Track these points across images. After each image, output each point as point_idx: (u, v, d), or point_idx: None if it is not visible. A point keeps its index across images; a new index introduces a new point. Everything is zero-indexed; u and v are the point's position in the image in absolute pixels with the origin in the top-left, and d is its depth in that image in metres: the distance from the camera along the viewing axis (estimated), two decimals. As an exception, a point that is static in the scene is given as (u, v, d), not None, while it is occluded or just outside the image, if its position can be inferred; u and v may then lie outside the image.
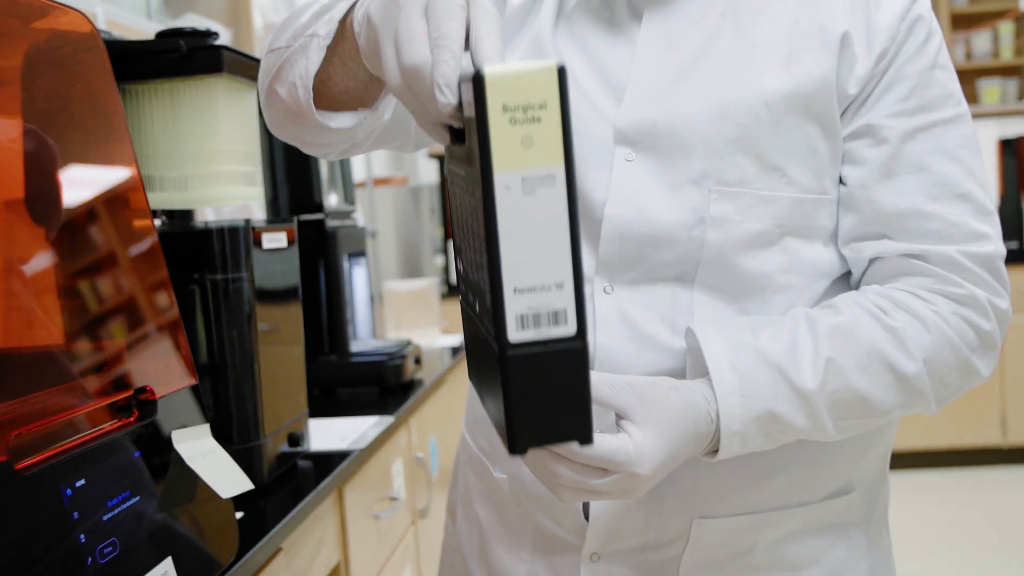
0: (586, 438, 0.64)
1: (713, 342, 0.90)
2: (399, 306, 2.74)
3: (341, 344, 2.00)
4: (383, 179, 4.56)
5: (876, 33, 0.94)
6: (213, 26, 2.12)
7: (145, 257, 0.99)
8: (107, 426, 0.84)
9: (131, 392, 0.89)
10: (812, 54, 0.94)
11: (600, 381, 0.84)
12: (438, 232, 5.06)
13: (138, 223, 1.00)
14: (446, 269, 4.83)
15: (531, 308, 0.61)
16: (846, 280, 1.00)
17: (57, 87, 0.94)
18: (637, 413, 0.84)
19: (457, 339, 2.81)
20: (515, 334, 0.61)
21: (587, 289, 0.95)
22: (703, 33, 0.97)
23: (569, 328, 0.61)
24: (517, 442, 0.63)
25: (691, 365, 0.93)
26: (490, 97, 0.59)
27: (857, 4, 0.95)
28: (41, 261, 0.89)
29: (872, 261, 0.97)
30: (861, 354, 0.91)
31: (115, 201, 0.98)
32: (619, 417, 0.85)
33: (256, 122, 1.40)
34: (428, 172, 5.10)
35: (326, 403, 1.93)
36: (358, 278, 2.17)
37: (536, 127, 0.60)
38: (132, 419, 0.87)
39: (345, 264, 2.04)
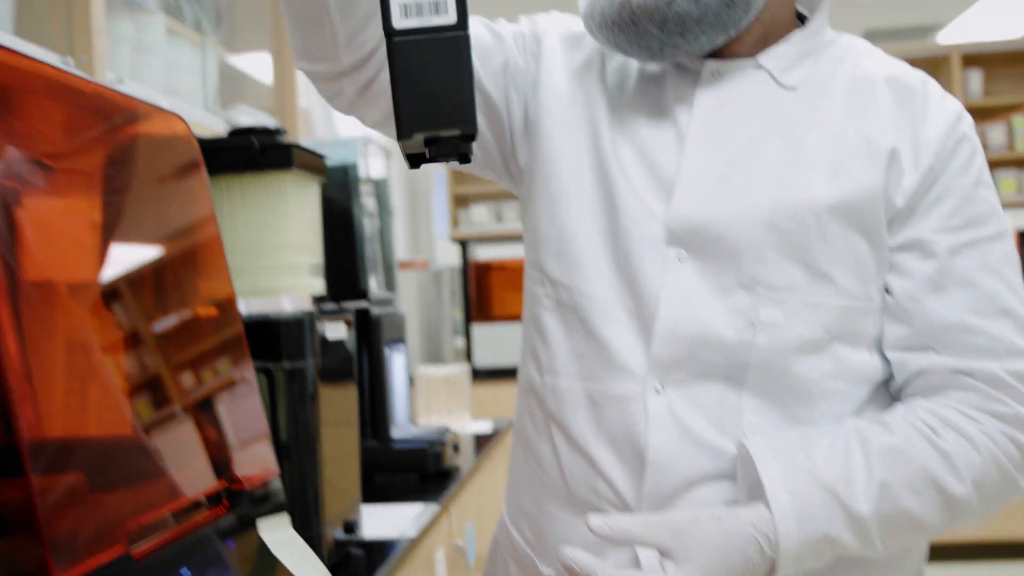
0: (467, 126, 0.67)
1: (768, 463, 0.92)
2: (430, 391, 2.77)
3: (383, 430, 2.02)
4: (405, 263, 4.60)
5: (923, 149, 0.97)
6: (262, 115, 2.19)
7: (232, 346, 1.02)
8: (201, 516, 0.87)
9: (224, 483, 0.91)
10: (860, 167, 0.96)
11: (635, 522, 0.88)
12: (459, 315, 5.09)
13: (226, 313, 1.03)
14: (468, 352, 4.85)
15: None
16: (887, 384, 1.02)
17: (153, 182, 0.99)
18: (676, 552, 0.87)
19: (488, 425, 2.83)
20: (399, 21, 0.65)
21: (639, 387, 0.97)
22: (750, 132, 0.99)
23: (450, 17, 0.66)
24: (403, 127, 0.67)
25: (742, 474, 0.95)
26: None
27: (903, 120, 0.98)
28: (138, 351, 0.93)
29: (917, 373, 0.99)
30: (913, 477, 0.93)
31: (205, 292, 1.01)
32: (662, 555, 0.88)
33: (318, 215, 1.45)
34: (449, 255, 5.16)
35: (367, 489, 1.94)
36: (396, 364, 2.20)
37: None
38: (224, 509, 0.90)
39: (386, 350, 2.07)
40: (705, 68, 1.02)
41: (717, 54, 1.02)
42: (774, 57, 1.01)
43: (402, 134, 0.68)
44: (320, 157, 1.41)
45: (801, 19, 1.07)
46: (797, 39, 1.02)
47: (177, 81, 1.85)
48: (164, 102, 1.68)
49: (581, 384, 1.00)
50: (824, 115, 0.99)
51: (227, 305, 1.01)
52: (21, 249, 0.80)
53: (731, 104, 1.01)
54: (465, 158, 0.75)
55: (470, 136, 0.70)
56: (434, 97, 0.67)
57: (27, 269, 0.79)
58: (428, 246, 5.43)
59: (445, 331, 5.06)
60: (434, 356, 5.00)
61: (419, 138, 0.70)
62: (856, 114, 0.99)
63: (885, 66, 1.03)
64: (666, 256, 0.97)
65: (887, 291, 0.99)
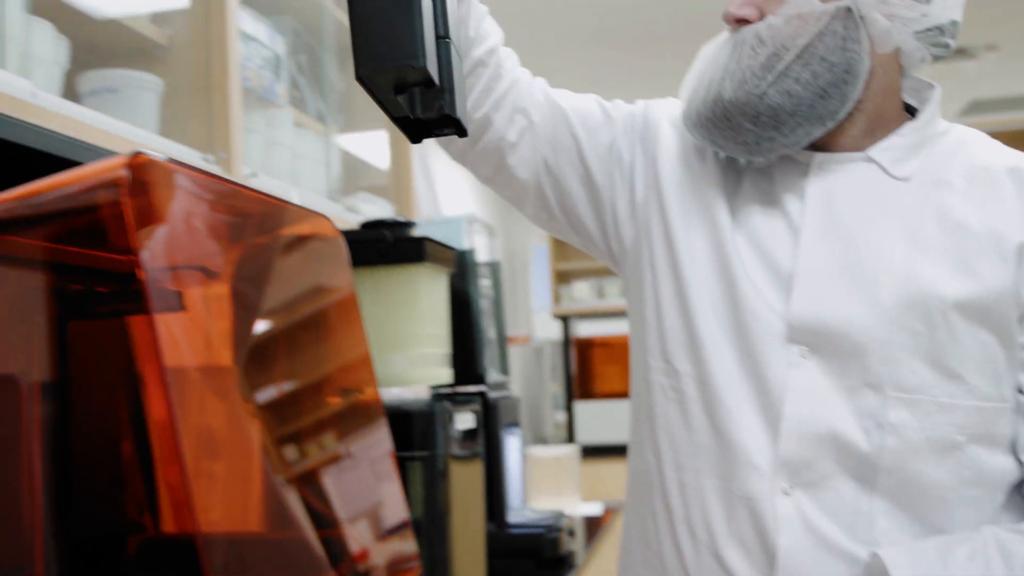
0: (416, 61, 0.72)
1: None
2: (540, 472, 2.75)
3: (499, 515, 2.01)
4: (509, 338, 4.62)
5: None
6: (381, 202, 2.24)
7: (376, 438, 1.03)
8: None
9: (371, 582, 0.91)
10: (989, 263, 0.94)
11: None
12: (559, 390, 5.08)
13: (370, 405, 1.05)
14: (569, 429, 4.82)
15: None
16: (1021, 488, 0.98)
17: (305, 279, 1.02)
18: None
19: (598, 507, 2.79)
20: None
21: (767, 486, 0.95)
22: (866, 224, 0.97)
23: None
24: (360, 65, 0.72)
25: None
26: None
27: None
28: (296, 446, 0.94)
29: None
30: None
31: (353, 387, 1.03)
32: None
33: (447, 305, 1.47)
34: (550, 330, 5.16)
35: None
36: (511, 447, 2.19)
37: None
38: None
39: (502, 435, 2.07)
40: (814, 160, 1.00)
41: (821, 146, 1.01)
42: (884, 149, 1.00)
43: (359, 71, 0.73)
44: (450, 249, 1.43)
45: (909, 110, 1.05)
46: (908, 130, 1.00)
47: (302, 170, 1.91)
48: (294, 193, 1.73)
49: (709, 481, 0.98)
50: (942, 207, 0.97)
51: (375, 403, 1.03)
52: (185, 350, 0.82)
53: (843, 195, 0.99)
54: (462, 130, 0.81)
55: (440, 89, 0.76)
56: (385, 37, 0.72)
57: (191, 370, 0.82)
58: (527, 320, 5.45)
59: (546, 407, 5.04)
60: (535, 432, 4.98)
61: (385, 84, 0.75)
62: (977, 205, 0.96)
63: (1006, 157, 1.00)
64: (789, 352, 0.95)
65: (1020, 391, 0.95)
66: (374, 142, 2.47)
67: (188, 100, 1.52)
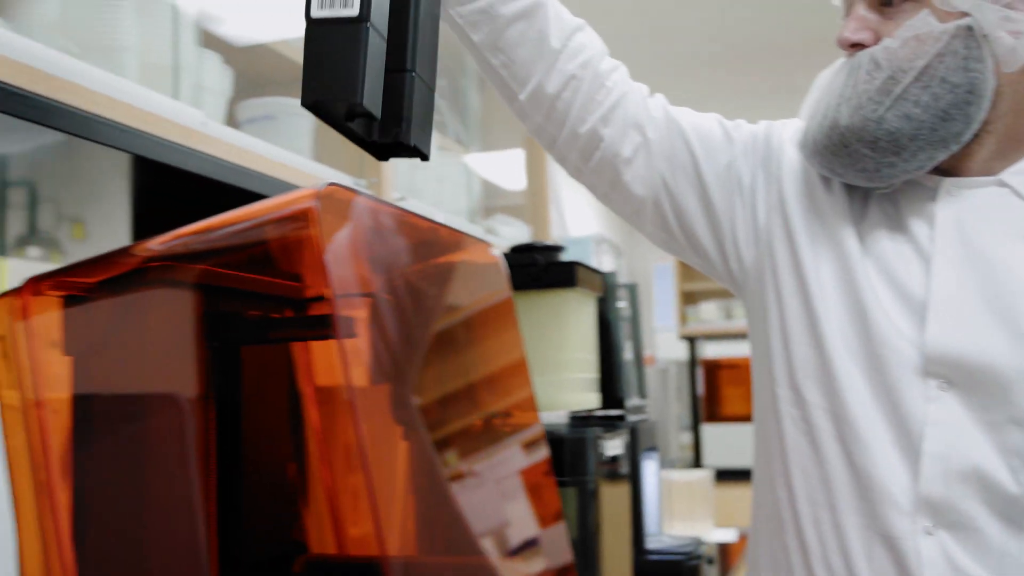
0: (355, 97, 0.76)
1: None
2: (673, 497, 2.71)
3: (638, 541, 1.98)
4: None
5: None
6: (519, 224, 2.25)
7: (537, 461, 1.03)
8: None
9: (537, 613, 0.91)
10: None
11: None
12: (685, 411, 5.01)
13: (533, 428, 1.04)
14: (696, 450, 4.75)
15: None
16: None
17: (470, 303, 1.02)
18: None
19: (732, 533, 2.73)
20: (316, 11, 0.78)
21: (908, 525, 0.90)
22: (1003, 251, 0.92)
23: (353, 10, 0.78)
24: (304, 95, 0.77)
25: None
26: None
27: None
28: (460, 468, 0.94)
29: None
30: None
31: (518, 413, 1.03)
32: None
33: (595, 330, 1.46)
34: (676, 351, 5.11)
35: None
36: (649, 472, 2.17)
37: None
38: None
39: (640, 459, 2.05)
40: (942, 185, 0.96)
41: (948, 170, 0.96)
42: (1017, 172, 0.94)
43: (303, 100, 0.78)
44: (599, 274, 1.42)
45: None
46: None
47: (443, 193, 1.93)
48: (439, 216, 1.75)
49: (847, 518, 0.94)
50: None
51: (537, 427, 1.02)
52: (361, 374, 0.83)
53: (975, 220, 0.94)
54: (423, 156, 0.86)
55: (398, 118, 0.82)
56: (329, 71, 0.78)
57: (367, 394, 0.83)
58: (650, 340, 5.40)
59: (671, 428, 4.98)
60: (660, 454, 4.92)
61: (334, 112, 0.80)
62: None
63: None
64: (926, 386, 0.91)
65: None
66: (508, 162, 2.49)
67: (340, 126, 1.55)
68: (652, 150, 1.06)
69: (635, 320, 2.20)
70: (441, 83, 2.01)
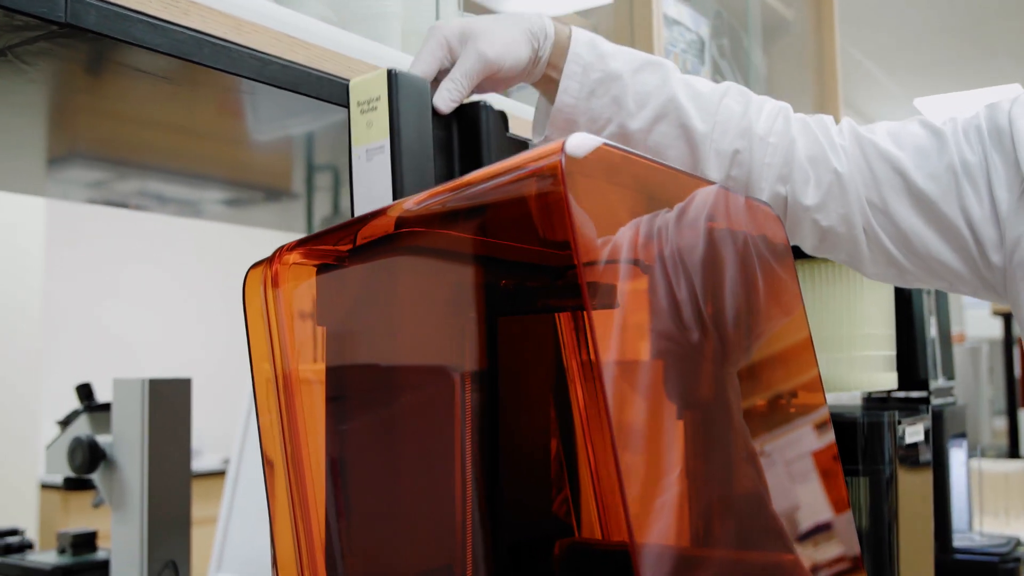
0: None
1: None
2: (986, 489, 2.45)
3: (944, 537, 1.79)
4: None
5: None
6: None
7: (827, 451, 0.92)
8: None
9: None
10: None
11: None
12: (999, 394, 4.58)
13: (816, 409, 0.94)
14: (1012, 437, 4.33)
15: None
16: None
17: (749, 272, 0.93)
18: None
19: (1056, 533, 2.44)
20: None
21: None
22: None
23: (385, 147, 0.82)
24: None
25: None
26: (351, 97, 0.85)
27: None
28: (733, 455, 0.86)
29: None
30: None
31: (800, 391, 0.93)
32: None
33: (892, 303, 1.31)
34: (989, 328, 4.67)
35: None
36: (956, 462, 1.96)
37: (374, 114, 0.83)
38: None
39: (947, 447, 1.85)
40: None
41: None
42: None
43: None
44: (896, 238, 1.27)
45: None
46: None
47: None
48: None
49: None
50: None
51: (821, 407, 0.92)
52: (621, 348, 0.76)
53: None
54: None
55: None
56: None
57: (626, 367, 0.76)
58: (959, 317, 4.98)
59: (982, 413, 4.57)
60: (969, 441, 4.53)
61: None
62: None
63: None
64: None
65: None
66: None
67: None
68: (844, 182, 0.95)
69: (941, 292, 1.99)
70: (722, 41, 1.90)
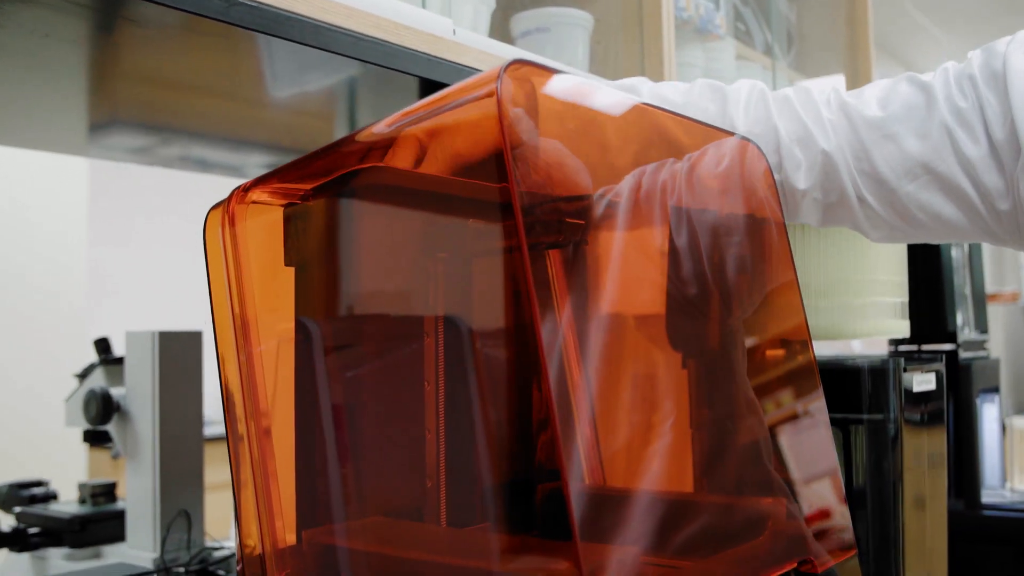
0: None
1: None
2: (1022, 447, 2.40)
3: (971, 493, 1.75)
4: (990, 295, 4.12)
5: None
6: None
7: (807, 400, 0.90)
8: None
9: (794, 564, 0.79)
10: None
11: None
12: (1053, 355, 4.46)
13: (803, 364, 0.91)
14: (1066, 399, 4.22)
15: None
16: None
17: (724, 210, 0.90)
18: None
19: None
20: None
21: None
22: None
23: None
24: None
25: None
26: None
27: None
28: (705, 396, 0.84)
29: None
30: None
31: (781, 340, 0.90)
32: None
33: (904, 248, 1.27)
34: (1043, 287, 4.55)
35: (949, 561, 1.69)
36: (988, 417, 1.91)
37: None
38: (796, 597, 0.77)
39: (976, 401, 1.81)
40: None
41: None
42: None
43: None
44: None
45: None
46: None
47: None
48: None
49: None
50: None
51: (806, 358, 0.89)
52: (589, 286, 0.75)
53: None
54: None
55: None
56: None
57: (598, 305, 0.74)
58: (1015, 275, 4.85)
59: (1035, 372, 4.46)
60: (1018, 400, 4.43)
61: None
62: None
63: None
64: None
65: None
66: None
67: (619, 35, 1.45)
68: (833, 159, 0.94)
69: (975, 245, 1.94)
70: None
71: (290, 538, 0.75)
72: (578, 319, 0.75)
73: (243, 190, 0.75)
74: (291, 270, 0.82)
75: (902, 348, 1.80)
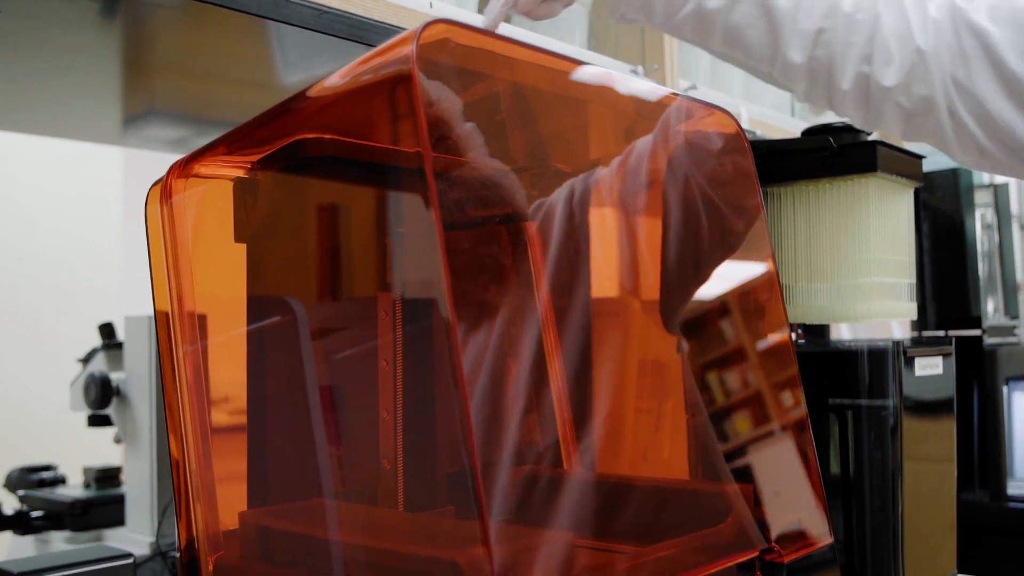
0: None
1: None
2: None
3: (996, 484, 1.69)
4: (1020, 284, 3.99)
5: None
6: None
7: (781, 382, 0.86)
8: (727, 591, 0.71)
9: (756, 552, 0.75)
10: None
11: None
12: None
13: (775, 340, 0.87)
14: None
15: None
16: None
17: (700, 188, 0.86)
18: None
19: None
20: None
21: None
22: None
23: None
24: None
25: None
26: None
27: None
28: (670, 377, 0.80)
29: None
30: None
31: (751, 314, 0.86)
32: None
33: (910, 227, 1.22)
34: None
35: (971, 555, 1.63)
36: (1018, 405, 1.84)
37: None
38: (757, 586, 0.73)
39: (1004, 389, 1.74)
40: None
41: None
42: None
43: None
44: (917, 158, 1.18)
45: None
46: None
47: (761, 85, 1.72)
48: (743, 109, 1.56)
49: None
50: None
51: (778, 326, 0.85)
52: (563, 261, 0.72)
53: None
54: None
55: None
56: None
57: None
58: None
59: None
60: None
61: None
62: None
63: None
64: None
65: None
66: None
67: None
68: (928, 60, 0.87)
69: (1003, 227, 1.87)
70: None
71: (231, 522, 0.73)
72: (521, 301, 0.72)
73: (182, 164, 0.73)
74: (242, 246, 0.80)
75: (926, 334, 1.74)
